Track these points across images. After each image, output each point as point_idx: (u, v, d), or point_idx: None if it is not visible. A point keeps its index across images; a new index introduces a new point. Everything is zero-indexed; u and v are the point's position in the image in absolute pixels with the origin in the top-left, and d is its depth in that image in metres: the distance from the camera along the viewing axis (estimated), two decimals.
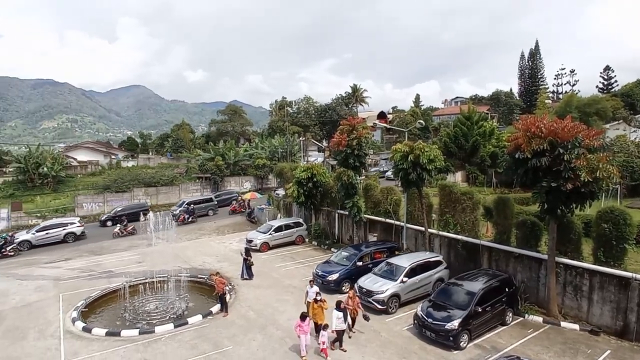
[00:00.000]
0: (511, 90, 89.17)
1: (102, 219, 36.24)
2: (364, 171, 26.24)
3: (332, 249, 23.92)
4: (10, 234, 29.30)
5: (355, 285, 16.58)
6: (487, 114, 66.67)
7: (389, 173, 45.77)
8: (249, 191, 42.71)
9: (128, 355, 12.90)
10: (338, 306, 12.89)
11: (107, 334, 14.35)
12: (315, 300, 13.42)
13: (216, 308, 16.05)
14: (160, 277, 18.72)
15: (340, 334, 12.84)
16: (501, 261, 16.45)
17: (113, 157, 71.82)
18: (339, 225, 25.66)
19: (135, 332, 14.44)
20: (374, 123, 30.82)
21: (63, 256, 25.48)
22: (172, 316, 15.92)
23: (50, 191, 45.18)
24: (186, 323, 15.07)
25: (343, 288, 17.65)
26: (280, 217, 30.38)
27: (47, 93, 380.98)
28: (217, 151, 52.53)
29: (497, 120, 70.33)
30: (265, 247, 24.60)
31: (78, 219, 32.46)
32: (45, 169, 45.45)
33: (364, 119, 28.84)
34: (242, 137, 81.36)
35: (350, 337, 13.48)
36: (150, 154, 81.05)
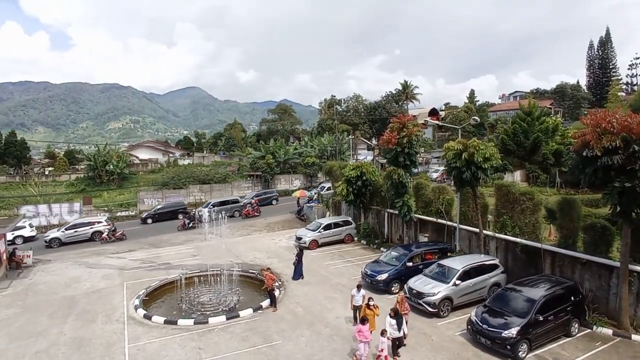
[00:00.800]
0: (578, 82, 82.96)
1: (143, 216, 37.32)
2: (414, 170, 25.56)
3: (382, 249, 23.60)
4: None
5: (405, 286, 16.22)
6: (550, 108, 62.48)
7: (432, 172, 44.10)
8: (299, 189, 43.25)
9: (184, 343, 13.53)
10: (390, 314, 12.28)
11: (165, 322, 15.15)
12: (368, 306, 12.90)
13: (266, 303, 16.40)
14: (213, 270, 19.47)
15: (393, 342, 12.22)
16: (566, 267, 15.28)
17: (171, 155, 76.03)
18: (388, 225, 25.25)
19: (191, 321, 15.12)
20: (425, 120, 29.84)
21: (128, 248, 27.35)
22: (224, 309, 16.49)
23: (115, 187, 48.83)
24: (238, 316, 15.54)
25: (392, 289, 17.36)
26: (329, 215, 30.48)
27: (113, 96, 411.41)
28: (268, 149, 53.78)
29: (562, 116, 65.59)
30: (314, 244, 24.77)
31: (105, 218, 33.57)
32: (111, 166, 49.15)
33: (414, 116, 28.17)
34: (292, 136, 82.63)
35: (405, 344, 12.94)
36: (205, 152, 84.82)
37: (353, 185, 25.11)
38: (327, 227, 25.69)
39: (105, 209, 41.34)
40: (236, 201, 38.69)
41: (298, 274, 19.43)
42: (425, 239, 21.91)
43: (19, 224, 32.24)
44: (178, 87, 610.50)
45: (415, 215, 22.40)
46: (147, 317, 15.59)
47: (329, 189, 40.78)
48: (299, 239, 25.33)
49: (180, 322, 15.09)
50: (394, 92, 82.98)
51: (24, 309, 16.99)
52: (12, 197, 41.50)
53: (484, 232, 18.19)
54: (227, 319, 15.30)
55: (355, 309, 14.06)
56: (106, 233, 30.26)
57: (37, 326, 15.23)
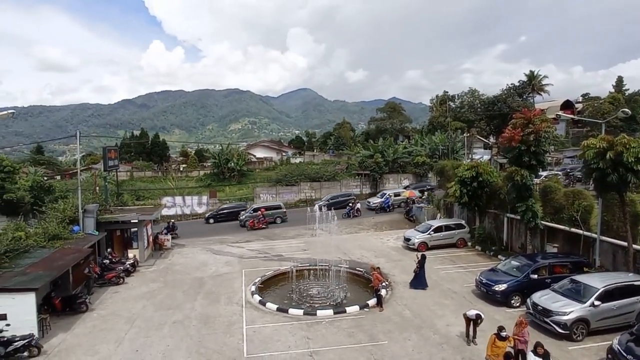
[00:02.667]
0: None
1: (207, 216, 38.76)
2: (541, 170, 22.73)
3: (499, 256, 21.58)
4: None
5: (528, 301, 14.51)
6: None
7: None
8: (408, 189, 42.08)
9: (294, 331, 14.21)
10: (536, 350, 10.07)
11: (278, 309, 16.10)
12: (499, 337, 10.64)
13: (372, 301, 16.29)
14: (322, 265, 20.07)
15: None
16: None
17: (284, 154, 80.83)
18: (507, 231, 22.95)
19: (300, 312, 15.80)
20: (556, 114, 26.22)
21: (245, 239, 29.87)
22: (331, 303, 16.88)
23: (235, 183, 53.71)
24: (344, 311, 15.73)
25: (512, 302, 15.73)
26: (440, 217, 28.99)
27: (234, 100, 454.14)
28: (376, 148, 53.49)
29: None
30: (423, 247, 23.77)
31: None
32: (232, 164, 54.25)
33: (542, 110, 24.92)
34: (401, 135, 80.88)
35: None
36: (315, 151, 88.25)
37: (467, 187, 23.45)
38: (438, 229, 24.47)
39: (227, 202, 45.84)
40: (279, 207, 36.66)
41: (421, 282, 17.85)
42: (555, 250, 19.33)
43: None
44: (290, 89, 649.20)
45: (542, 222, 19.91)
46: (262, 303, 16.76)
47: (396, 194, 39.01)
48: (407, 240, 24.65)
49: (291, 311, 15.87)
50: (517, 84, 74.68)
51: (165, 285, 19.79)
52: (156, 189, 48.69)
53: (634, 246, 15.26)
54: (334, 313, 15.60)
55: (469, 322, 13.04)
56: None
57: (174, 300, 17.58)
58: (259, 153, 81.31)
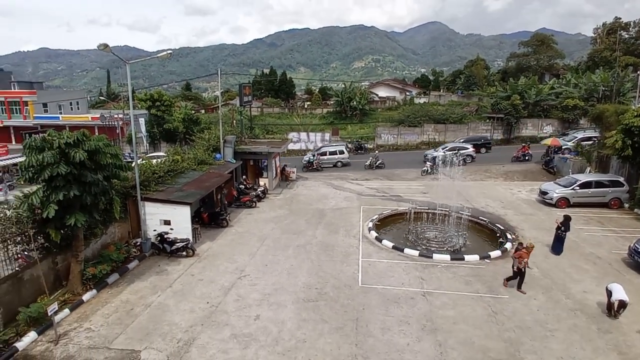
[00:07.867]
0: None
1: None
2: None
3: None
4: None
5: None
6: None
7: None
8: (550, 137, 36.82)
9: (408, 270, 14.34)
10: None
11: (393, 247, 16.33)
12: None
13: (495, 253, 15.35)
14: (442, 210, 19.38)
15: None
16: None
17: (407, 93, 77.12)
18: None
19: (416, 253, 15.75)
20: None
21: (364, 177, 30.35)
22: (449, 248, 16.40)
23: (357, 121, 53.82)
24: (462, 259, 15.19)
25: None
26: (590, 172, 24.91)
27: (358, 37, 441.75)
28: (515, 89, 47.19)
29: None
30: (564, 203, 20.97)
31: None
32: (354, 102, 54.05)
33: None
34: (548, 73, 69.57)
35: None
36: (442, 91, 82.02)
37: (634, 137, 19.35)
38: (586, 185, 21.11)
39: (349, 139, 46.62)
40: None
41: (557, 247, 15.69)
42: None
43: None
44: (418, 24, 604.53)
45: None
46: (378, 239, 17.17)
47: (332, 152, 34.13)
48: (543, 193, 22.01)
49: (407, 250, 15.94)
50: None
51: (290, 212, 21.62)
52: (283, 125, 51.86)
53: None
54: (452, 259, 15.20)
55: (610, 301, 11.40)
56: None
57: (298, 226, 19.18)
58: (382, 92, 79.02)
